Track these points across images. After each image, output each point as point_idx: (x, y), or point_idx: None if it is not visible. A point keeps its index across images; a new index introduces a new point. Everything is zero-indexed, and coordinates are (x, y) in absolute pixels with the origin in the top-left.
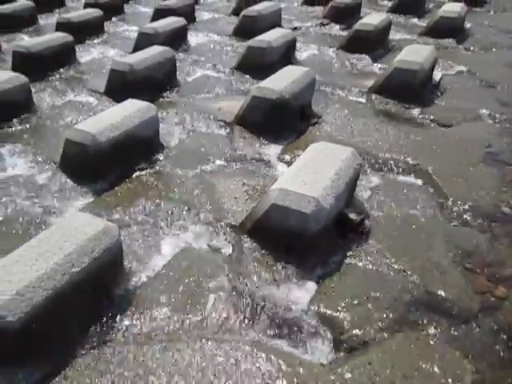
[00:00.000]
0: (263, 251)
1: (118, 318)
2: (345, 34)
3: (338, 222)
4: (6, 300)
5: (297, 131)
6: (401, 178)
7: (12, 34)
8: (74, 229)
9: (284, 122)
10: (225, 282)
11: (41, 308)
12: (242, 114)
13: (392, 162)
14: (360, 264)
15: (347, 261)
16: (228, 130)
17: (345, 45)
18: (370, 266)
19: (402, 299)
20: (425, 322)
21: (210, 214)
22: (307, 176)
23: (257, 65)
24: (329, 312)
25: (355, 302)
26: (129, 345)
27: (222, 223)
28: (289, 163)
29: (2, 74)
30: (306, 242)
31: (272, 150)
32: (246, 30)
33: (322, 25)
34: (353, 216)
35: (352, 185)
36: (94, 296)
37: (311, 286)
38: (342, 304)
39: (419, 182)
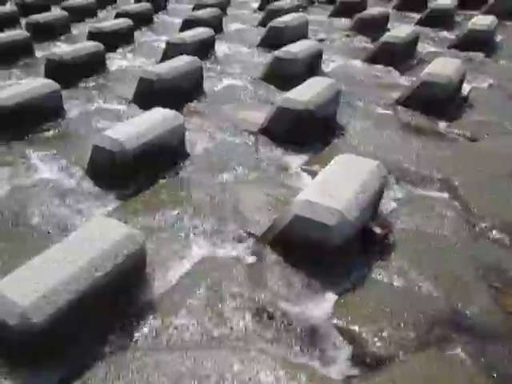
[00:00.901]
0: (285, 263)
1: (139, 324)
2: (371, 46)
3: (362, 235)
4: (33, 301)
5: (321, 142)
6: (427, 191)
7: (46, 42)
8: (99, 234)
9: (309, 133)
10: (245, 293)
11: (64, 311)
12: (267, 124)
13: (418, 175)
14: (384, 278)
15: (371, 275)
16: (252, 139)
17: (371, 57)
18: (394, 281)
19: (427, 316)
20: (450, 340)
21: (232, 223)
22: (332, 188)
23: (282, 75)
24: (350, 326)
25: (378, 317)
26: (148, 351)
27: (245, 233)
28: (313, 174)
29: (35, 80)
30: (328, 254)
31: (296, 161)
32: (273, 41)
33: (349, 36)
34: (377, 230)
35: (377, 198)
36: (116, 301)
37: (333, 299)
38: (364, 319)
39: (445, 196)
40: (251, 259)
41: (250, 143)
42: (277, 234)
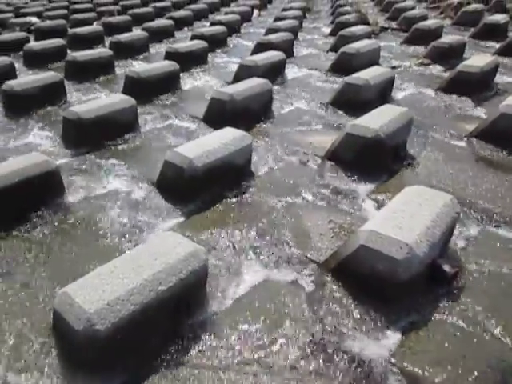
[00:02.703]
0: (346, 293)
1: (196, 340)
2: (446, 74)
3: (430, 272)
4: (98, 309)
5: (389, 171)
6: (501, 230)
7: (126, 60)
8: (165, 248)
9: (377, 161)
10: (302, 321)
11: (126, 321)
12: (334, 150)
13: (492, 212)
14: (451, 320)
15: (437, 315)
16: (319, 164)
17: (446, 86)
18: (462, 324)
19: (497, 367)
20: None
21: (294, 247)
22: (401, 220)
23: (352, 101)
24: (413, 369)
25: (443, 362)
26: (204, 368)
27: (306, 258)
28: (379, 204)
29: (114, 96)
30: (393, 289)
31: (362, 189)
32: (344, 66)
33: (422, 64)
34: (446, 267)
35: (448, 234)
36: (176, 316)
37: (395, 337)
38: (428, 362)
39: None
40: (310, 286)
41: (316, 168)
42: (339, 263)
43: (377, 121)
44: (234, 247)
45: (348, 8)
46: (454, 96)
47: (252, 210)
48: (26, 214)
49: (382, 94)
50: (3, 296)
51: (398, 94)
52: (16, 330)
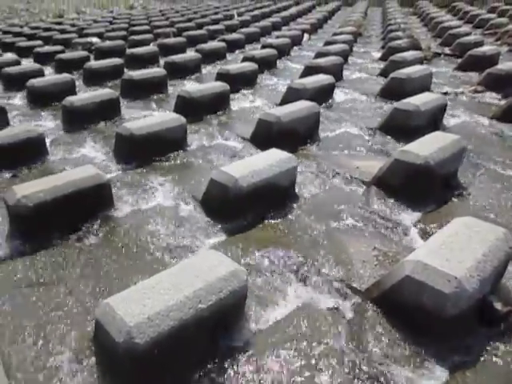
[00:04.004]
0: (388, 324)
1: (232, 361)
2: (501, 103)
3: (481, 309)
4: (138, 322)
5: (438, 201)
6: None
7: (178, 79)
8: (207, 266)
9: (426, 189)
10: (341, 350)
11: (165, 336)
12: (381, 176)
13: None
14: (500, 363)
15: (486, 356)
16: (364, 189)
17: (501, 114)
18: None
19: None
20: None
21: (335, 273)
22: (449, 252)
23: (401, 127)
24: None
25: None
26: None
27: (347, 285)
28: (426, 233)
29: (165, 114)
30: (440, 324)
31: (409, 217)
32: (393, 91)
33: (476, 91)
34: (498, 306)
35: (500, 270)
36: (213, 335)
37: (441, 375)
38: None
39: None
40: (351, 314)
41: (361, 193)
42: (383, 292)
43: (427, 148)
44: (274, 269)
45: (400, 33)
46: (510, 125)
47: (294, 232)
48: (76, 223)
49: (433, 120)
50: (48, 301)
51: (449, 122)
52: (57, 336)
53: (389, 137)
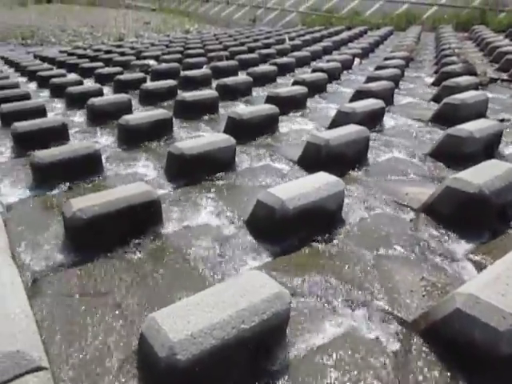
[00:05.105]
0: (436, 359)
1: None
2: None
3: None
4: (181, 339)
5: (493, 232)
6: None
7: (229, 101)
8: (251, 287)
9: (479, 218)
10: (385, 382)
11: (207, 354)
12: (432, 203)
13: None
14: None
15: None
16: (413, 216)
17: None
18: None
19: None
20: None
21: (381, 302)
22: (505, 287)
23: (454, 154)
24: None
25: None
26: None
27: (393, 315)
28: (479, 265)
29: (216, 135)
30: (492, 363)
31: (460, 247)
32: (446, 117)
33: None
34: None
35: None
36: (254, 357)
37: None
38: None
39: None
40: (396, 346)
41: (410, 220)
42: (431, 325)
43: (481, 176)
44: (317, 294)
45: (454, 58)
46: None
47: (340, 258)
48: (126, 237)
49: (488, 148)
50: (95, 313)
51: (506, 150)
52: (103, 346)
53: (440, 163)
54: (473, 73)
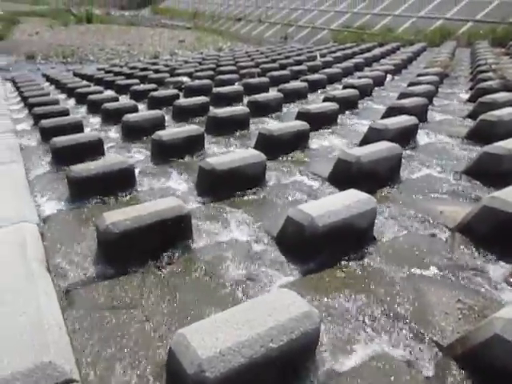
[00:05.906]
0: None
1: None
2: None
3: None
4: (210, 356)
5: None
6: None
7: (260, 117)
8: (280, 305)
9: None
10: None
11: (235, 372)
12: (468, 222)
13: None
14: None
15: None
16: (448, 236)
17: None
18: None
19: None
20: None
21: (414, 324)
22: None
23: (491, 172)
24: None
25: None
26: None
27: (427, 338)
28: None
29: (246, 150)
30: None
31: (498, 269)
32: (482, 134)
33: None
34: None
35: None
36: (281, 378)
37: None
38: None
39: None
40: (430, 371)
41: (445, 240)
42: (468, 350)
43: None
44: (348, 314)
45: (490, 74)
46: None
47: (371, 277)
48: (157, 251)
49: None
50: (124, 326)
51: None
52: (132, 359)
53: (476, 182)
54: (510, 89)
